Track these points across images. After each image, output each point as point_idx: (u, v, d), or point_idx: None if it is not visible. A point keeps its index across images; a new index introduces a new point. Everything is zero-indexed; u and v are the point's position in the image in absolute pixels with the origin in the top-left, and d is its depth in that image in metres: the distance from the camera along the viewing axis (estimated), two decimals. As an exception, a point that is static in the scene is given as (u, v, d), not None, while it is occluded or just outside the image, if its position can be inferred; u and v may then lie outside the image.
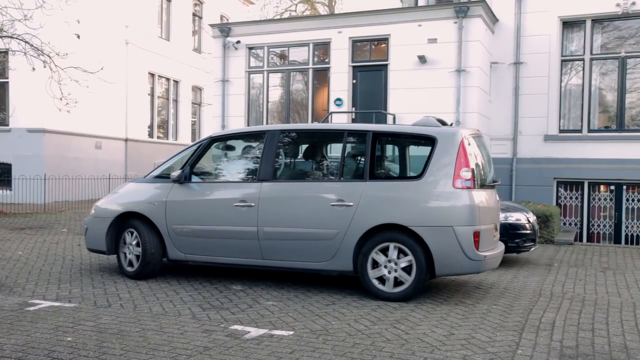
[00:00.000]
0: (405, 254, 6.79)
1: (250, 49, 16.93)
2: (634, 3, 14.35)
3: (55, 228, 13.47)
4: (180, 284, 7.63)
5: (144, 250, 7.80)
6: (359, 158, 7.91)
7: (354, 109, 15.58)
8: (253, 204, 7.30)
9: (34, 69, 15.35)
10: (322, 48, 16.22)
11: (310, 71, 16.32)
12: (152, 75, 24.40)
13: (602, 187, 15.03)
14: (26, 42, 15.04)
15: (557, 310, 6.59)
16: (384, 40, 15.39)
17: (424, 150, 7.16)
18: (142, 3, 23.24)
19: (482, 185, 7.16)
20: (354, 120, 15.47)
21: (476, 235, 6.70)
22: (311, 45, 16.22)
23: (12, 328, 5.52)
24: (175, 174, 7.84)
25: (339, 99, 15.60)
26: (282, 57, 17.06)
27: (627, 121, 15.02)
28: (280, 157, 8.06)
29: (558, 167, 15.05)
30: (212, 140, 8.22)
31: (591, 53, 15.09)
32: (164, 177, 8.15)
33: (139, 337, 5.28)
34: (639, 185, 14.55)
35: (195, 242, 7.69)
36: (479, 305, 6.80)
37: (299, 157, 8.65)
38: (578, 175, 14.95)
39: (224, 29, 17.12)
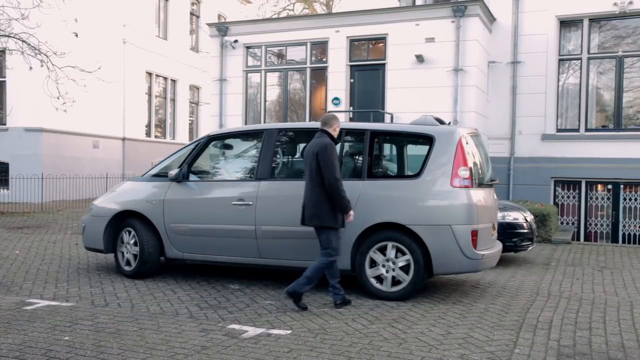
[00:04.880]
0: (403, 253, 6.79)
1: (247, 48, 16.91)
2: (631, 2, 14.35)
3: (52, 227, 13.45)
4: (178, 283, 7.63)
5: (141, 249, 7.79)
6: (357, 157, 7.91)
7: (351, 108, 15.56)
8: (251, 203, 7.30)
9: (31, 68, 15.32)
10: (320, 47, 16.20)
11: (308, 70, 16.31)
12: (150, 74, 24.37)
13: (599, 187, 15.04)
14: (23, 41, 15.00)
15: (554, 309, 6.60)
16: (382, 39, 15.38)
17: (422, 149, 7.17)
18: (139, 2, 23.19)
19: (480, 184, 7.17)
20: (351, 120, 15.46)
21: (474, 234, 6.71)
22: (309, 45, 16.20)
23: (10, 327, 5.51)
24: (173, 172, 7.83)
25: (336, 98, 15.59)
26: (280, 56, 17.05)
27: (624, 120, 15.03)
28: (278, 155, 8.04)
29: (556, 167, 15.06)
30: (210, 139, 8.22)
31: (588, 52, 15.09)
32: (161, 175, 8.15)
33: (136, 337, 5.27)
34: (637, 184, 14.56)
35: (193, 241, 7.68)
36: (476, 304, 6.80)
37: (296, 155, 8.65)
38: (576, 174, 14.95)
39: (221, 28, 17.10)
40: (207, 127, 19.35)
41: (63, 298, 6.79)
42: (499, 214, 9.05)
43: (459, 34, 14.37)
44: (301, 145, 8.61)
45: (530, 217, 10.30)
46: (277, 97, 17.00)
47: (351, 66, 15.68)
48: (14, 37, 15.19)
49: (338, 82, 15.66)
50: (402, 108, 14.44)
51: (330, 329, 5.64)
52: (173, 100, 26.06)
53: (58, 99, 15.54)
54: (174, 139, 25.83)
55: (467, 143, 7.03)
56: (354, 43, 15.73)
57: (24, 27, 15.03)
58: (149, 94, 24.48)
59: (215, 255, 7.65)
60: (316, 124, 8.17)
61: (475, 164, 7.11)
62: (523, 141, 15.37)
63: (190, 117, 27.41)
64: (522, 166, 15.32)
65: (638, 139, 14.47)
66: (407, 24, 14.92)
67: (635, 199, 14.57)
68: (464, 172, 6.77)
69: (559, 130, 15.34)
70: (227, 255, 7.57)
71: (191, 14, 27.14)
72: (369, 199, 6.97)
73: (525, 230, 9.90)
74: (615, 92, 14.97)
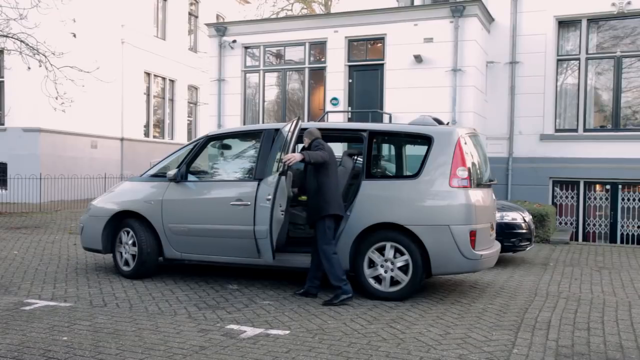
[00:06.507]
0: (402, 253, 6.79)
1: (246, 48, 16.90)
2: (629, 2, 14.37)
3: (51, 227, 13.44)
4: (177, 283, 7.62)
5: (140, 249, 7.78)
6: (356, 157, 7.92)
7: (350, 108, 15.57)
8: (249, 203, 7.27)
9: (29, 68, 15.30)
10: (318, 47, 16.20)
11: (307, 70, 16.30)
12: (148, 74, 24.36)
13: (597, 187, 15.06)
14: (22, 41, 14.98)
15: (553, 310, 6.60)
16: (380, 39, 15.39)
17: (421, 150, 7.18)
18: (137, 2, 23.17)
19: (479, 185, 7.17)
20: (350, 120, 15.46)
21: (472, 234, 6.71)
22: (307, 45, 16.20)
23: (8, 327, 5.51)
24: (171, 172, 7.82)
25: (335, 98, 15.59)
26: (278, 56, 17.05)
27: (622, 121, 15.04)
28: (277, 156, 8.04)
29: (554, 167, 15.07)
30: (209, 139, 8.21)
31: (587, 52, 15.10)
32: (160, 176, 8.14)
33: (134, 337, 5.27)
34: (635, 184, 14.57)
35: (192, 241, 7.67)
36: (475, 304, 6.81)
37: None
38: (574, 174, 14.96)
39: (220, 28, 17.09)
40: (206, 127, 19.34)
41: (61, 298, 6.79)
42: (498, 214, 9.06)
43: (458, 34, 14.38)
44: (301, 146, 8.61)
45: (528, 217, 10.30)
46: (276, 97, 17.00)
47: (350, 66, 15.68)
48: (12, 37, 15.18)
49: (336, 82, 15.66)
50: (401, 108, 14.45)
51: (329, 329, 5.64)
52: (171, 100, 26.04)
53: (56, 99, 15.52)
54: (172, 139, 25.82)
55: (465, 143, 7.03)
56: (353, 43, 15.73)
57: (22, 27, 15.01)
58: (148, 94, 24.47)
59: (214, 256, 7.64)
60: (316, 124, 8.18)
61: (473, 164, 7.11)
62: (521, 141, 15.38)
63: (188, 117, 27.40)
64: (521, 166, 15.33)
65: (636, 139, 14.49)
66: (406, 24, 14.92)
67: (634, 199, 14.58)
68: (462, 173, 6.77)
69: (557, 131, 15.35)
70: (226, 255, 7.55)
71: (189, 14, 27.13)
72: (367, 199, 6.97)
73: (524, 231, 9.91)
74: (613, 92, 14.98)
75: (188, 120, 27.38)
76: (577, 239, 14.61)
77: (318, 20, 16.78)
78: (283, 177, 6.83)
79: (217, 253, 7.58)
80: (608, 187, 14.86)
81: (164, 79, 25.47)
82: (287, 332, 5.51)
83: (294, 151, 6.86)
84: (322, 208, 6.70)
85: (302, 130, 7.30)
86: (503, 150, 15.52)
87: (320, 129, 8.45)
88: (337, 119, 15.20)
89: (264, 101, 16.88)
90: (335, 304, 6.57)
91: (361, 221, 6.92)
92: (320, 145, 6.89)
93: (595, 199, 14.98)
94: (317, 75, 16.27)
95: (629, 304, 7.01)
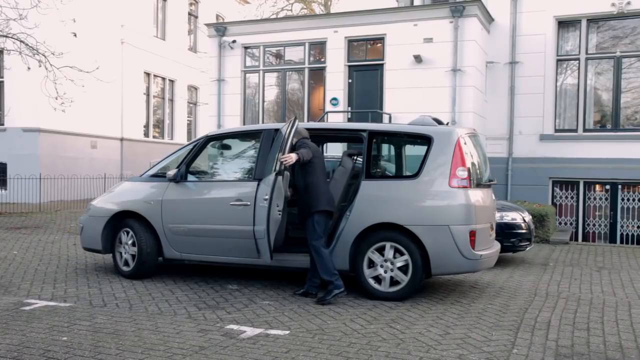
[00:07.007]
0: (402, 254, 6.79)
1: (246, 48, 16.90)
2: (629, 3, 14.37)
3: (50, 227, 13.44)
4: (176, 284, 7.62)
5: (139, 249, 7.78)
6: (355, 157, 7.92)
7: (349, 108, 15.57)
8: (249, 203, 7.27)
9: (29, 68, 15.31)
10: (318, 47, 16.20)
11: (306, 71, 16.30)
12: (148, 74, 24.37)
13: (597, 187, 15.06)
14: (21, 41, 14.99)
15: (552, 310, 6.60)
16: (380, 39, 15.39)
17: (420, 150, 7.18)
18: (137, 2, 23.20)
19: (478, 185, 7.17)
20: (349, 120, 15.46)
21: (472, 234, 6.71)
22: (307, 45, 16.20)
23: (8, 328, 5.51)
24: (171, 172, 7.82)
25: (334, 99, 15.59)
26: (278, 56, 17.05)
27: (622, 121, 15.04)
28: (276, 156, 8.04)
29: (553, 167, 15.07)
30: (208, 139, 8.21)
31: (586, 53, 15.10)
32: (159, 176, 8.14)
33: (134, 337, 5.27)
34: (635, 184, 14.58)
35: (191, 241, 7.67)
36: (474, 304, 6.81)
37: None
38: (573, 174, 14.96)
39: (219, 28, 17.10)
40: (205, 127, 19.35)
41: (61, 298, 6.79)
42: (497, 214, 9.06)
43: (457, 34, 14.38)
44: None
45: (528, 218, 10.30)
46: (276, 97, 17.00)
47: (349, 66, 15.68)
48: (12, 37, 15.19)
49: (336, 83, 15.66)
50: (400, 108, 14.44)
51: (329, 329, 5.64)
52: (171, 100, 26.05)
53: (56, 99, 15.53)
54: (172, 139, 25.83)
55: (465, 143, 7.03)
56: (352, 43, 15.73)
57: (22, 27, 15.02)
58: (147, 94, 24.48)
59: (214, 256, 7.64)
60: (316, 124, 8.17)
61: (473, 164, 7.11)
62: (521, 141, 15.38)
63: (188, 117, 27.40)
64: (520, 166, 15.33)
65: (636, 139, 14.49)
66: (406, 24, 14.92)
67: (634, 199, 14.59)
68: (462, 173, 6.77)
69: (557, 131, 15.35)
70: (226, 255, 7.55)
71: (189, 14, 27.14)
72: (367, 199, 6.97)
73: (524, 231, 9.91)
74: (613, 92, 14.98)
75: (188, 120, 27.38)
76: (576, 239, 14.62)
77: (318, 21, 16.78)
78: (280, 177, 6.83)
79: (217, 253, 7.59)
80: (608, 187, 14.86)
81: (163, 79, 25.48)
82: (287, 332, 5.51)
83: (291, 151, 6.86)
84: (311, 205, 6.74)
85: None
86: (503, 151, 15.52)
87: (320, 129, 8.50)
88: (337, 119, 15.21)
89: (263, 101, 16.88)
90: (328, 300, 6.58)
91: (361, 221, 6.92)
92: (304, 144, 6.91)
93: (595, 199, 14.99)
94: (317, 76, 16.27)
95: (628, 304, 7.02)
